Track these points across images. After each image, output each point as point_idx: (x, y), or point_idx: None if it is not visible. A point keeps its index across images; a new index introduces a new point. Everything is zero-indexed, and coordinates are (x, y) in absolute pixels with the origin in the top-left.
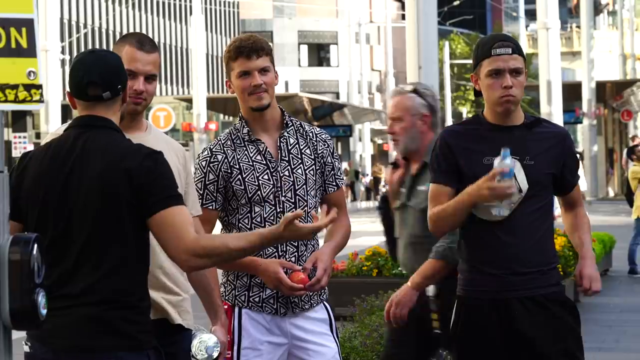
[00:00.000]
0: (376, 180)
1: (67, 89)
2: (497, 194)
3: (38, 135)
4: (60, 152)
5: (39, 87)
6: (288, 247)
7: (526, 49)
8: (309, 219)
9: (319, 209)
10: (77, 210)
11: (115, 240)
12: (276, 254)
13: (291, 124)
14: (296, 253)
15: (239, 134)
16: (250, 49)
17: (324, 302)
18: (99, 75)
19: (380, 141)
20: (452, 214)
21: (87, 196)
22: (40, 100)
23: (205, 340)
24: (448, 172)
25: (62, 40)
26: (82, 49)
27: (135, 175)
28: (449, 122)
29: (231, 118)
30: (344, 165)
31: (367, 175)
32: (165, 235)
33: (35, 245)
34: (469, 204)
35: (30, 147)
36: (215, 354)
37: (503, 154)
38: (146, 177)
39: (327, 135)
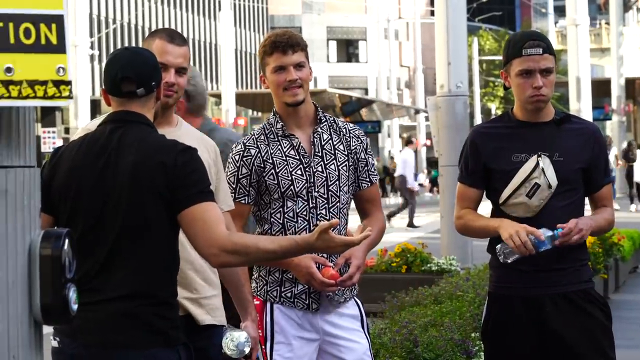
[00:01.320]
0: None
1: (102, 85)
2: (518, 246)
3: (67, 131)
4: (94, 146)
5: (68, 83)
6: None
7: (555, 45)
8: (341, 217)
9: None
10: (110, 204)
11: (147, 235)
12: None
13: (325, 119)
14: None
15: (272, 128)
16: (286, 44)
17: (355, 298)
18: (133, 72)
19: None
20: (477, 232)
21: (120, 190)
22: (69, 97)
23: (236, 337)
24: (475, 173)
25: (91, 35)
26: (111, 45)
27: (170, 170)
28: (478, 118)
29: (259, 114)
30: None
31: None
32: (195, 230)
33: (67, 240)
34: (495, 233)
35: (60, 142)
36: (247, 350)
37: (545, 232)
38: (180, 172)
39: (360, 131)
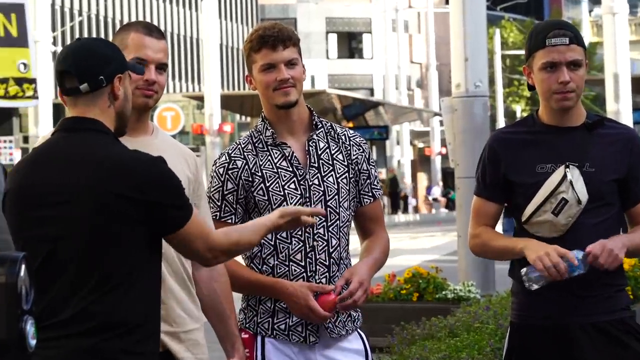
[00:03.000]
0: (394, 184)
1: None
2: (548, 268)
3: (26, 140)
4: (44, 161)
5: (32, 81)
6: (318, 267)
7: (589, 37)
8: (341, 236)
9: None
10: (68, 229)
11: (115, 258)
12: (304, 274)
13: (321, 125)
14: (327, 274)
15: (261, 136)
16: (276, 38)
17: (359, 331)
18: (74, 64)
19: (421, 144)
20: (497, 252)
21: (78, 214)
22: (35, 96)
23: None
24: (493, 185)
25: (53, 30)
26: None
27: (134, 191)
28: (501, 122)
29: (249, 119)
30: (381, 173)
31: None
32: (193, 246)
33: (23, 266)
34: (519, 255)
35: (17, 154)
36: None
37: (577, 254)
38: (148, 195)
39: (362, 139)
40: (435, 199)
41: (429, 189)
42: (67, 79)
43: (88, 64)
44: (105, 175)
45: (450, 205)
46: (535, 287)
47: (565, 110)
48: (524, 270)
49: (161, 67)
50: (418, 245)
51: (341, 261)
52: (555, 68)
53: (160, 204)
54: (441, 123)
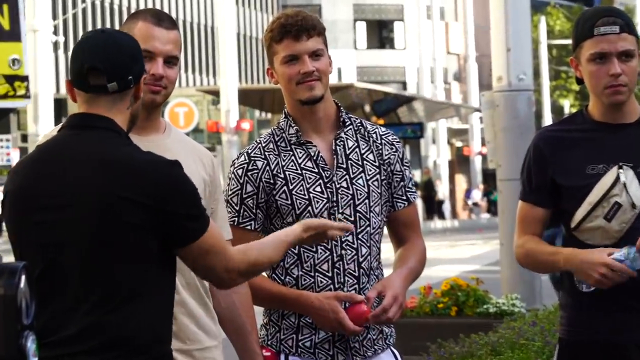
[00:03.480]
0: (429, 186)
1: (68, 76)
2: (605, 283)
3: (25, 138)
4: (48, 161)
5: (25, 79)
6: (346, 278)
7: None
8: (372, 244)
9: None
10: (71, 236)
11: (123, 270)
12: (331, 286)
13: (349, 122)
14: (356, 285)
15: (283, 134)
16: (299, 27)
17: (392, 348)
18: (104, 61)
19: (459, 143)
20: (542, 265)
21: (82, 219)
22: (27, 96)
23: None
24: (540, 188)
25: (54, 18)
26: (80, 29)
27: (147, 198)
28: (548, 118)
29: (269, 115)
30: (416, 175)
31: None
32: (208, 262)
33: (23, 277)
34: (565, 268)
35: (15, 154)
36: None
37: (628, 251)
38: (163, 202)
39: (395, 137)
40: (475, 204)
41: (468, 193)
42: (93, 75)
43: (119, 61)
44: (115, 177)
45: (492, 209)
46: (591, 288)
47: (617, 105)
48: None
49: (171, 60)
50: (456, 255)
51: (372, 271)
52: (605, 59)
53: (173, 212)
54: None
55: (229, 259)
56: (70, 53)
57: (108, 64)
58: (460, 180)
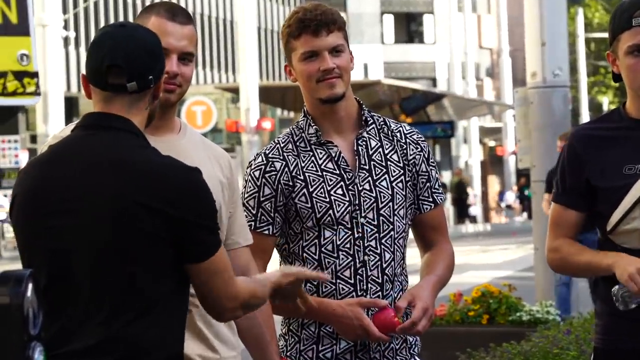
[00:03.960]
0: (460, 188)
1: (84, 71)
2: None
3: (34, 139)
4: (60, 162)
5: (34, 75)
6: (369, 285)
7: None
8: (396, 249)
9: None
10: (83, 242)
11: (137, 279)
12: (354, 293)
13: (372, 120)
14: (380, 293)
15: (303, 134)
16: (319, 22)
17: (416, 358)
18: (125, 59)
19: (492, 143)
20: (580, 269)
21: (95, 225)
22: (37, 93)
23: None
24: (574, 190)
25: (64, 12)
26: (92, 24)
27: (165, 204)
28: (585, 116)
29: (292, 114)
30: (446, 176)
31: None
32: (213, 284)
33: (30, 285)
34: (607, 272)
35: (24, 156)
36: None
37: None
38: (181, 210)
39: (420, 136)
40: (508, 206)
41: (501, 195)
42: (113, 73)
43: (140, 60)
44: (131, 181)
45: (526, 209)
46: (630, 307)
47: None
48: (615, 289)
49: (186, 57)
50: (488, 260)
51: (396, 278)
52: None
53: (192, 222)
54: (515, 118)
55: (235, 286)
56: (81, 49)
57: (129, 62)
58: (493, 182)
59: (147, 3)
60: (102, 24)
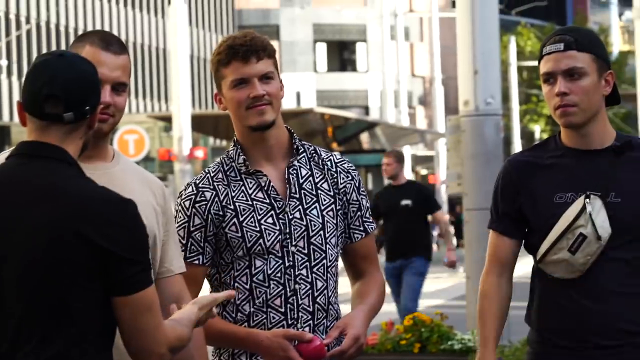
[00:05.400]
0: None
1: (17, 98)
2: None
3: None
4: None
5: None
6: (300, 314)
7: (619, 44)
8: (328, 277)
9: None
10: (12, 273)
11: (67, 308)
12: (284, 322)
13: (303, 149)
14: (311, 322)
15: (233, 164)
16: (248, 49)
17: None
18: (64, 89)
19: (425, 171)
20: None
21: (26, 254)
22: None
23: None
24: (506, 216)
25: None
26: (24, 52)
27: (97, 236)
28: (517, 144)
29: (224, 142)
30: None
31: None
32: (140, 323)
33: None
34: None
35: None
36: None
37: None
38: (108, 241)
39: (350, 165)
40: (440, 235)
41: (433, 225)
42: (50, 103)
43: (78, 90)
44: (63, 209)
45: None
46: None
47: (573, 127)
48: None
49: (119, 87)
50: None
51: (330, 306)
52: (554, 80)
53: (119, 254)
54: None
55: (163, 330)
56: (13, 77)
57: (67, 92)
58: None
59: (80, 32)
60: (34, 52)
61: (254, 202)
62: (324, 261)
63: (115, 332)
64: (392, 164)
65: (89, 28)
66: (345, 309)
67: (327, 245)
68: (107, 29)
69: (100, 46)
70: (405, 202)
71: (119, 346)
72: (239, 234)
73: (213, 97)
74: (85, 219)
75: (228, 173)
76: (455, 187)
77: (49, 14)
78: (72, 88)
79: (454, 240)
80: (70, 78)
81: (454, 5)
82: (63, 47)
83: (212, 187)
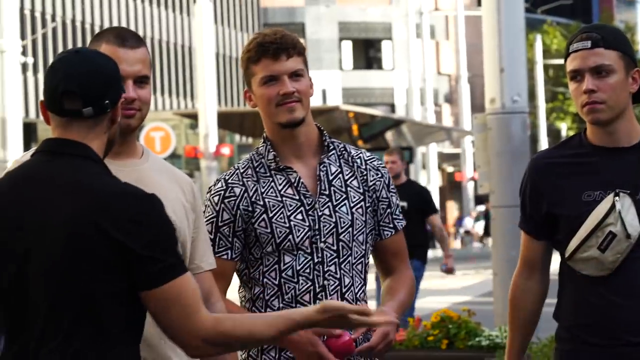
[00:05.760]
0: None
1: (38, 99)
2: None
3: None
4: (17, 187)
5: None
6: None
7: None
8: (355, 274)
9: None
10: (38, 270)
11: (92, 304)
12: None
13: (333, 146)
14: None
15: (262, 160)
16: (278, 46)
17: None
18: (80, 84)
19: (451, 169)
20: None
21: (50, 250)
22: None
23: None
24: (534, 218)
25: (22, 37)
26: (50, 50)
27: (116, 231)
28: (544, 142)
29: (250, 140)
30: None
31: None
32: (169, 317)
33: None
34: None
35: None
36: None
37: None
38: (132, 238)
39: (380, 162)
40: (467, 232)
41: (459, 221)
42: (68, 99)
43: (95, 85)
44: (87, 205)
45: (484, 238)
46: None
47: (600, 124)
48: None
49: (141, 80)
50: (447, 285)
51: (357, 302)
52: (581, 77)
53: (141, 250)
54: (473, 144)
55: (196, 321)
56: (39, 75)
57: (83, 87)
58: (452, 208)
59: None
60: (60, 50)
61: (284, 198)
62: (351, 258)
63: (143, 327)
64: (397, 162)
65: (115, 24)
66: (370, 305)
67: (355, 242)
68: (132, 27)
69: (116, 43)
70: (400, 204)
71: (147, 340)
72: (268, 230)
73: (239, 95)
74: (105, 213)
75: (257, 169)
76: (487, 187)
77: (74, 11)
78: (88, 83)
79: (451, 244)
80: (86, 73)
81: (479, 3)
82: (88, 44)
83: (241, 183)
